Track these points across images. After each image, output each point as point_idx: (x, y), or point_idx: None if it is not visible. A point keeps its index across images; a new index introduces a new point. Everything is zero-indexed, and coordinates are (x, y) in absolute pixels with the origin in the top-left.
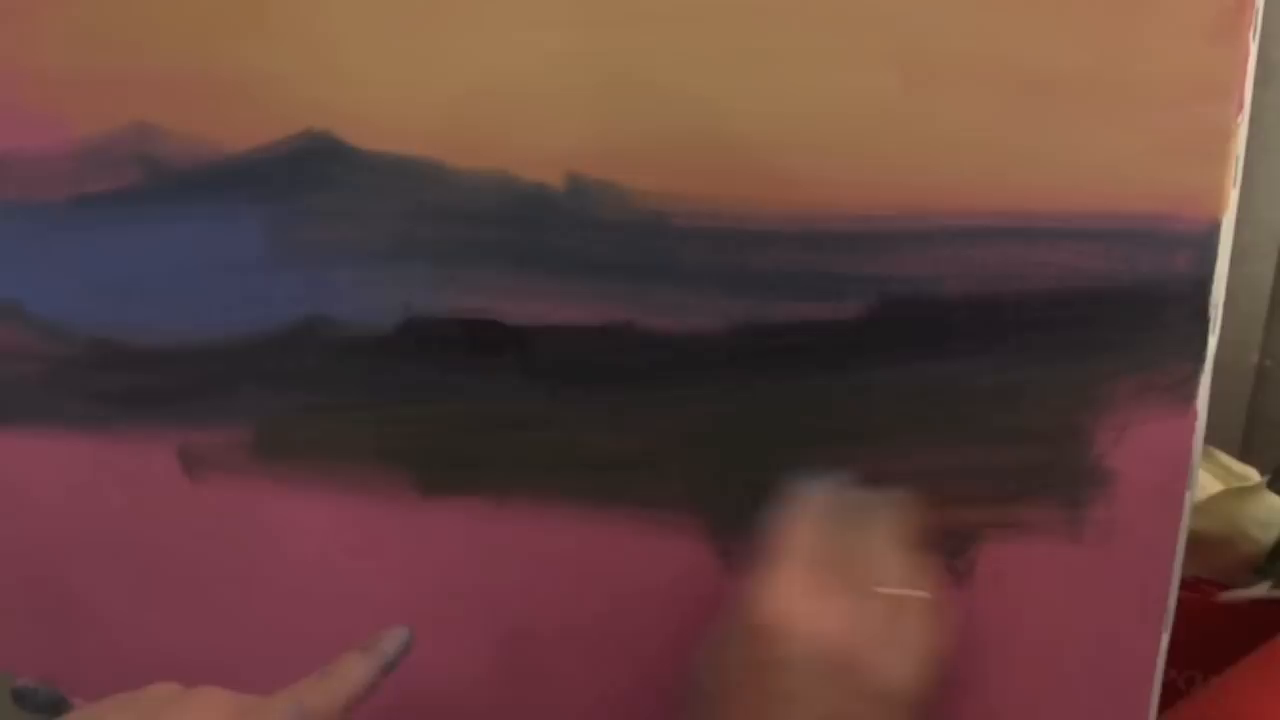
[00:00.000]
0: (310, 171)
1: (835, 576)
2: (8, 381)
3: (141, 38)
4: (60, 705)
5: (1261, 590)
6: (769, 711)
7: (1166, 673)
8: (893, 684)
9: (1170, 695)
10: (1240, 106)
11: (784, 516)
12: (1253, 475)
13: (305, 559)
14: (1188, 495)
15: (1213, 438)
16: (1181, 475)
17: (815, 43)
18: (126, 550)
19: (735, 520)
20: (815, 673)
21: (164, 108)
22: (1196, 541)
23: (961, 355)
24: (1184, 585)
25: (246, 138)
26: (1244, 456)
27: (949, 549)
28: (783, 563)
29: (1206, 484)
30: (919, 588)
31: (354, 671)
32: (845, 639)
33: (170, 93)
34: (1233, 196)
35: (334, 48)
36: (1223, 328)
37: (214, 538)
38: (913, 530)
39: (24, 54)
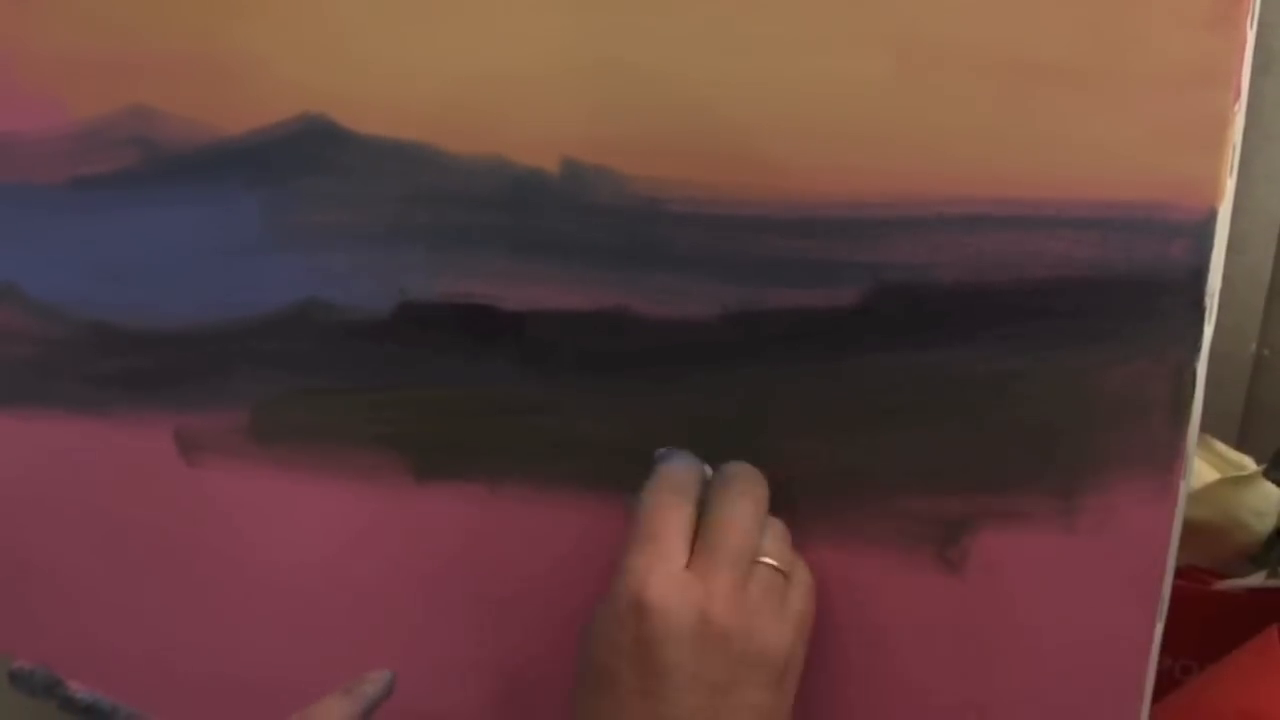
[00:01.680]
0: (306, 154)
1: (705, 548)
2: (3, 364)
3: (139, 20)
4: (56, 687)
5: (1257, 579)
6: (654, 687)
7: (1161, 661)
8: (770, 650)
9: (1165, 684)
10: (1238, 94)
11: (648, 494)
12: (1249, 464)
13: (299, 542)
14: (1183, 484)
15: (1209, 426)
16: (1177, 464)
17: (810, 28)
18: (121, 533)
19: None
20: (695, 644)
21: (161, 90)
22: (1192, 530)
23: (955, 343)
24: (1179, 574)
25: (243, 120)
26: (1240, 445)
27: (942, 539)
28: (653, 540)
29: (1203, 472)
30: (786, 555)
31: (334, 714)
32: (721, 609)
33: (168, 75)
34: (1230, 185)
35: (331, 31)
36: (1220, 316)
37: (209, 521)
38: (767, 499)
39: (22, 36)
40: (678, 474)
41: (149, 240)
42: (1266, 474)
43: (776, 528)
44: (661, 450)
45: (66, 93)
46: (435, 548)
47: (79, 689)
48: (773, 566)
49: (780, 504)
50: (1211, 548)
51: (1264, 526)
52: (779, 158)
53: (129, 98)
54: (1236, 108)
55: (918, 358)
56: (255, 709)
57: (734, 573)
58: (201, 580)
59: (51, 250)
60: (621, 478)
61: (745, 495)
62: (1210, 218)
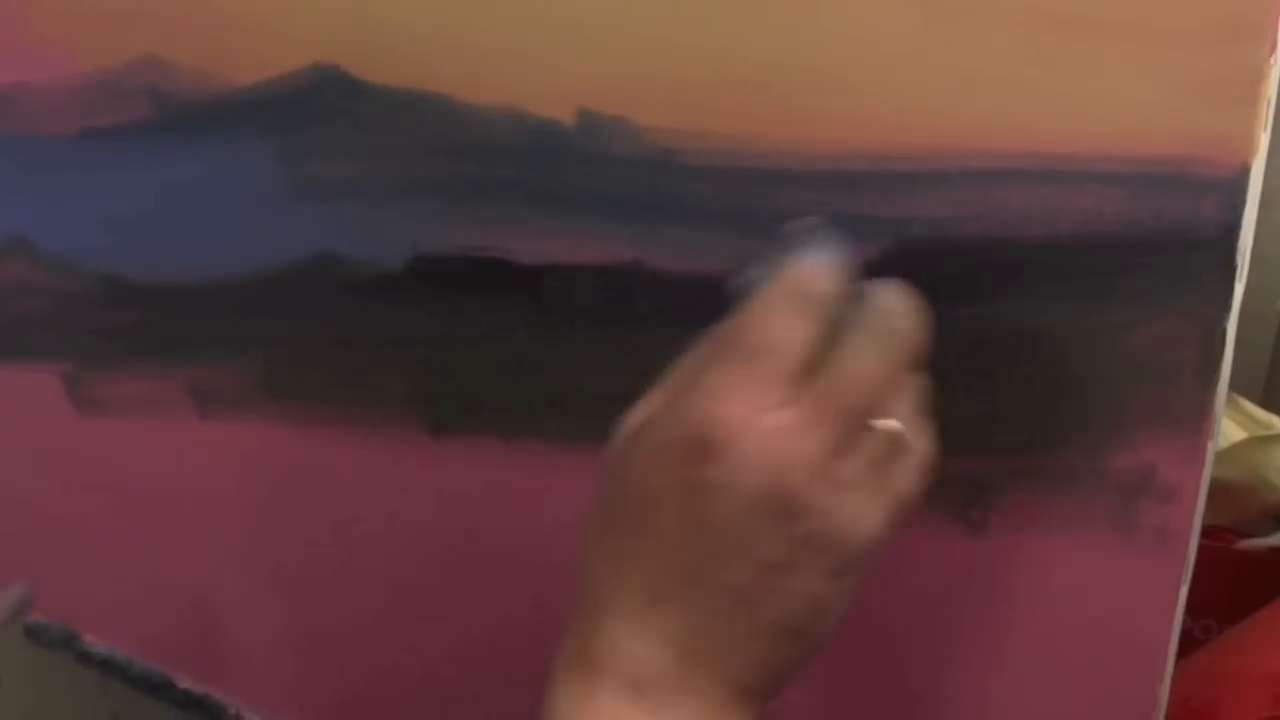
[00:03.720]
0: (319, 105)
1: (812, 395)
2: (15, 316)
3: None
4: (72, 641)
5: None
6: (695, 544)
7: (1183, 621)
8: (847, 536)
9: (1187, 644)
10: (1274, 47)
11: (767, 293)
12: (1276, 423)
13: (313, 497)
14: (1212, 444)
15: (1235, 385)
16: (1207, 423)
17: None
18: (134, 487)
19: None
20: (758, 509)
21: (172, 40)
22: (1217, 489)
23: (979, 300)
24: (1202, 533)
25: (255, 71)
26: (1266, 404)
27: (965, 500)
28: (751, 361)
29: (1229, 431)
30: (909, 425)
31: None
32: (804, 476)
33: (178, 25)
34: (1264, 141)
35: None
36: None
37: (223, 475)
38: (915, 353)
39: None
40: (813, 278)
41: (160, 192)
42: None
43: (911, 390)
44: (799, 223)
45: (77, 43)
46: (449, 502)
47: (95, 643)
48: (887, 435)
49: None
50: (1236, 507)
51: None
52: (800, 109)
53: (140, 48)
54: (1272, 60)
55: (940, 315)
56: (263, 659)
57: (836, 434)
58: (215, 533)
59: (62, 202)
60: None
61: (887, 342)
62: (1243, 174)
